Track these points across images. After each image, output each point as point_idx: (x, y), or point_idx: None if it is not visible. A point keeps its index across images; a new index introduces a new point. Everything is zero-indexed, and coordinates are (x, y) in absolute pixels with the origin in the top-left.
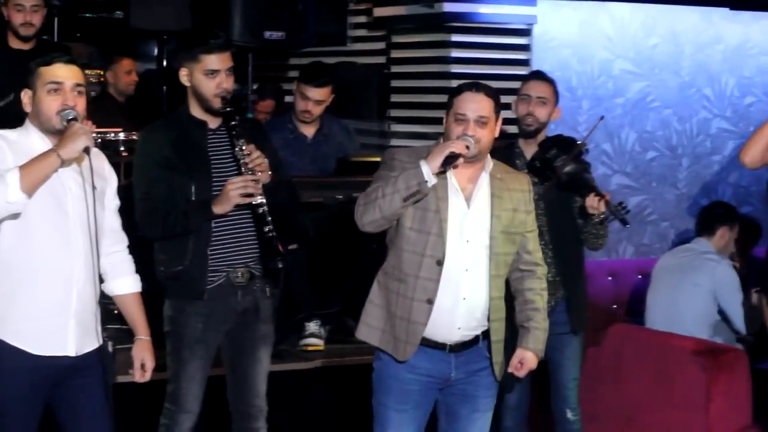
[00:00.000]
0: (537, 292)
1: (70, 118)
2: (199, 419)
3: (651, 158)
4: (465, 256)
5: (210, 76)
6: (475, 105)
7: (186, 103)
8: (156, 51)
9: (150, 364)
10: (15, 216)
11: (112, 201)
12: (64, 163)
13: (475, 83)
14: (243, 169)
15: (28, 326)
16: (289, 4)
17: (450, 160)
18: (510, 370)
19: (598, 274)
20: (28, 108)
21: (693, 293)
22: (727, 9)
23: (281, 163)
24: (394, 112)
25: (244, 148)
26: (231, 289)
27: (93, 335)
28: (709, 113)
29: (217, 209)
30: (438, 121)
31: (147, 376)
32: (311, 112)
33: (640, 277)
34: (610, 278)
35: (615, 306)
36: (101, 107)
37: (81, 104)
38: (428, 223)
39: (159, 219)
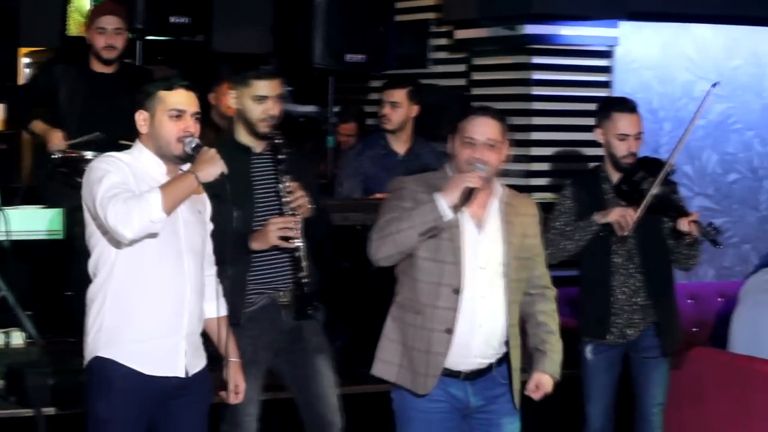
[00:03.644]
0: (549, 314)
1: (196, 145)
2: None
3: (732, 180)
4: (480, 283)
5: (258, 101)
6: (483, 128)
7: (231, 128)
8: None
9: (243, 386)
10: (137, 240)
11: (209, 225)
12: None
13: (482, 107)
14: (285, 208)
15: (140, 347)
16: (371, 26)
17: (468, 196)
18: (526, 392)
19: (679, 297)
20: (143, 129)
21: None
22: None
23: (321, 194)
24: None
25: (288, 185)
26: (275, 308)
27: (201, 355)
28: None
29: (255, 246)
30: (519, 143)
31: (240, 398)
32: (388, 116)
33: (721, 300)
34: (690, 301)
35: (696, 329)
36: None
37: (198, 131)
38: (443, 251)
39: None
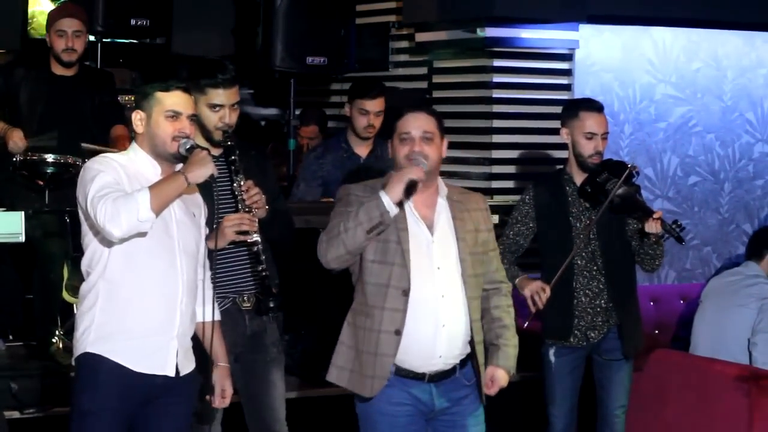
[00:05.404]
0: (504, 309)
1: (190, 146)
2: None
3: (693, 183)
4: (438, 283)
5: (214, 110)
6: (417, 122)
7: None
8: None
9: (229, 391)
10: (127, 239)
11: (204, 229)
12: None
13: (416, 105)
14: (240, 206)
15: (131, 344)
16: (332, 29)
17: (411, 189)
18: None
19: (641, 299)
20: (139, 129)
21: (739, 316)
22: None
23: (280, 194)
24: None
25: (242, 183)
26: (238, 313)
27: (190, 357)
28: (752, 138)
29: (211, 244)
30: (480, 146)
31: (226, 402)
32: (374, 126)
33: (682, 302)
34: (651, 303)
35: (657, 332)
36: None
37: (193, 133)
38: (390, 254)
39: None
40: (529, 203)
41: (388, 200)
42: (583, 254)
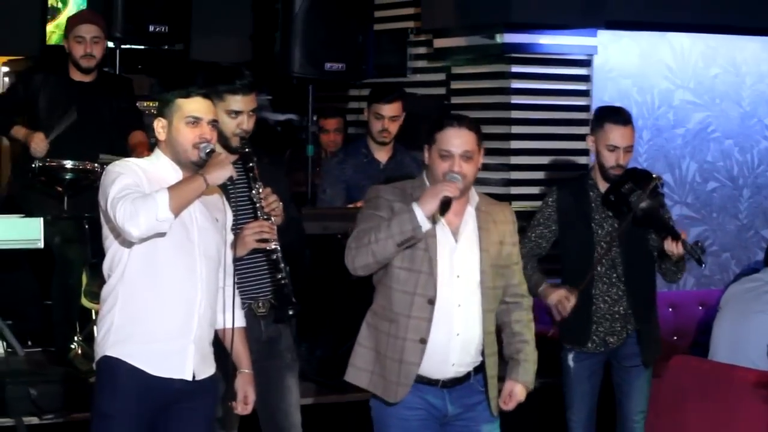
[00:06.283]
0: (525, 324)
1: (209, 150)
2: None
3: (712, 189)
4: (457, 291)
5: (232, 116)
6: (459, 140)
7: None
8: None
9: (252, 397)
10: (148, 238)
11: (229, 235)
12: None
13: (456, 116)
14: (259, 213)
15: (148, 347)
16: (350, 35)
17: (446, 206)
18: (499, 402)
19: (659, 305)
20: (161, 137)
21: (757, 322)
22: None
23: (292, 202)
24: None
25: (261, 191)
26: (254, 319)
27: (210, 363)
28: None
29: (230, 252)
30: (499, 152)
31: (249, 409)
32: (389, 130)
33: (700, 308)
34: (670, 310)
35: (675, 338)
36: None
37: (215, 139)
38: (418, 261)
39: None
40: (552, 206)
41: (422, 215)
42: (604, 261)
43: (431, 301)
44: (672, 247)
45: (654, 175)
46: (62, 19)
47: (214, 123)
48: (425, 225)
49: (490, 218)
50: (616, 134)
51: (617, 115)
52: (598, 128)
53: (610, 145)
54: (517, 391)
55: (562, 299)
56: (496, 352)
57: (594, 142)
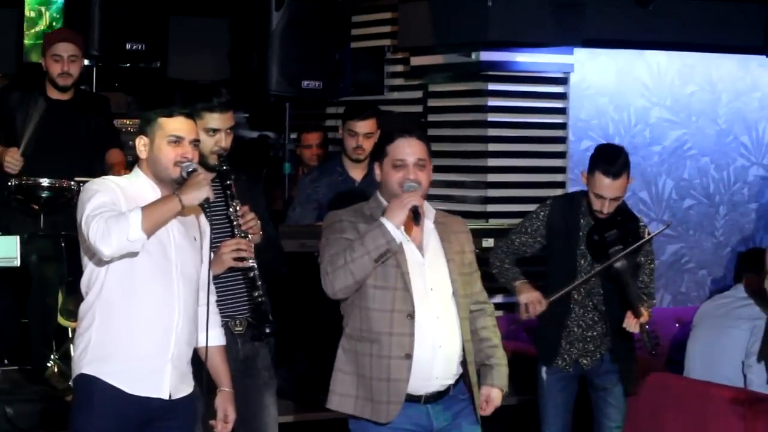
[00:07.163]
0: (491, 330)
1: (191, 170)
2: None
3: (688, 206)
4: (433, 304)
5: (210, 134)
6: (411, 149)
7: None
8: None
9: (232, 416)
10: (122, 257)
11: (206, 253)
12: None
13: (404, 128)
14: (236, 231)
15: (125, 366)
16: (326, 53)
17: (417, 216)
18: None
19: None
20: (143, 155)
21: (731, 338)
22: (764, 57)
23: (270, 220)
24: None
25: (238, 209)
26: (231, 338)
27: (188, 381)
28: (747, 161)
29: (211, 271)
30: (476, 169)
31: (228, 428)
32: (363, 147)
33: (677, 325)
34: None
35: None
36: None
37: (197, 158)
38: (391, 278)
39: None
40: (542, 221)
41: (392, 227)
42: (581, 289)
43: (411, 316)
44: (630, 323)
45: (641, 226)
46: (40, 29)
47: (196, 143)
48: (398, 236)
49: (449, 229)
50: (603, 184)
51: (610, 166)
52: (590, 171)
53: (596, 193)
54: (493, 395)
55: (533, 301)
56: (473, 359)
57: (585, 181)
